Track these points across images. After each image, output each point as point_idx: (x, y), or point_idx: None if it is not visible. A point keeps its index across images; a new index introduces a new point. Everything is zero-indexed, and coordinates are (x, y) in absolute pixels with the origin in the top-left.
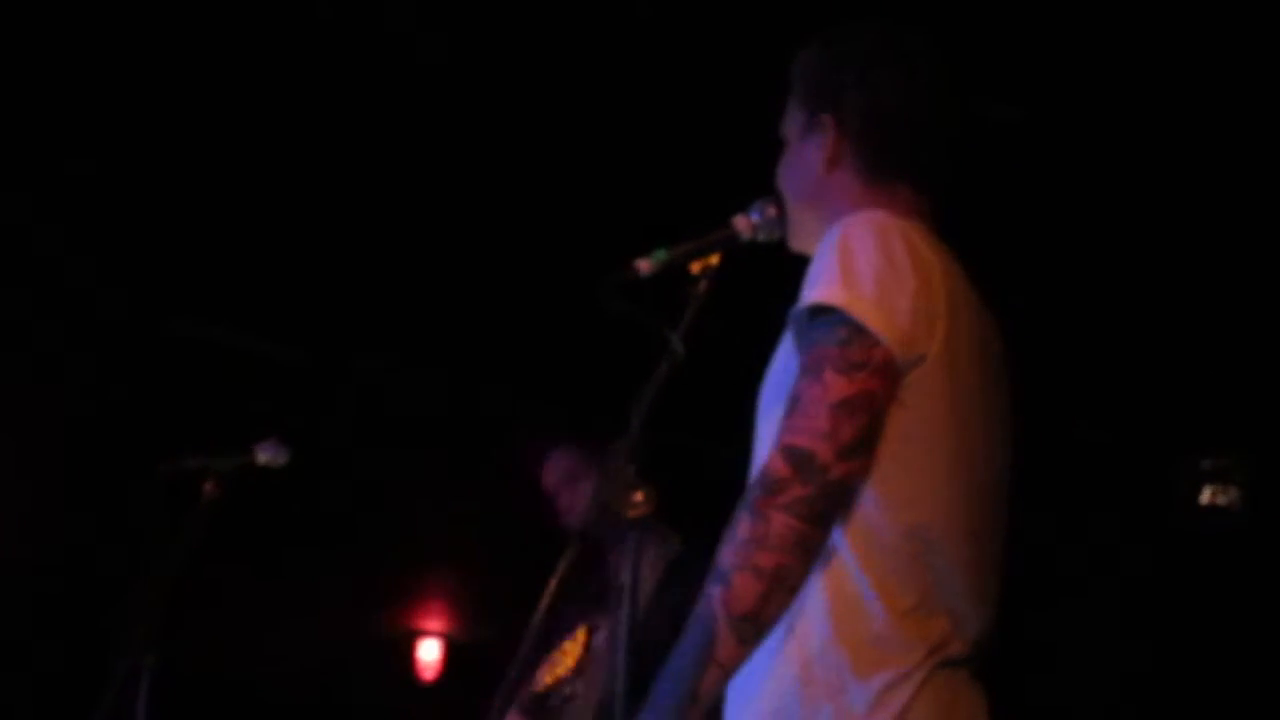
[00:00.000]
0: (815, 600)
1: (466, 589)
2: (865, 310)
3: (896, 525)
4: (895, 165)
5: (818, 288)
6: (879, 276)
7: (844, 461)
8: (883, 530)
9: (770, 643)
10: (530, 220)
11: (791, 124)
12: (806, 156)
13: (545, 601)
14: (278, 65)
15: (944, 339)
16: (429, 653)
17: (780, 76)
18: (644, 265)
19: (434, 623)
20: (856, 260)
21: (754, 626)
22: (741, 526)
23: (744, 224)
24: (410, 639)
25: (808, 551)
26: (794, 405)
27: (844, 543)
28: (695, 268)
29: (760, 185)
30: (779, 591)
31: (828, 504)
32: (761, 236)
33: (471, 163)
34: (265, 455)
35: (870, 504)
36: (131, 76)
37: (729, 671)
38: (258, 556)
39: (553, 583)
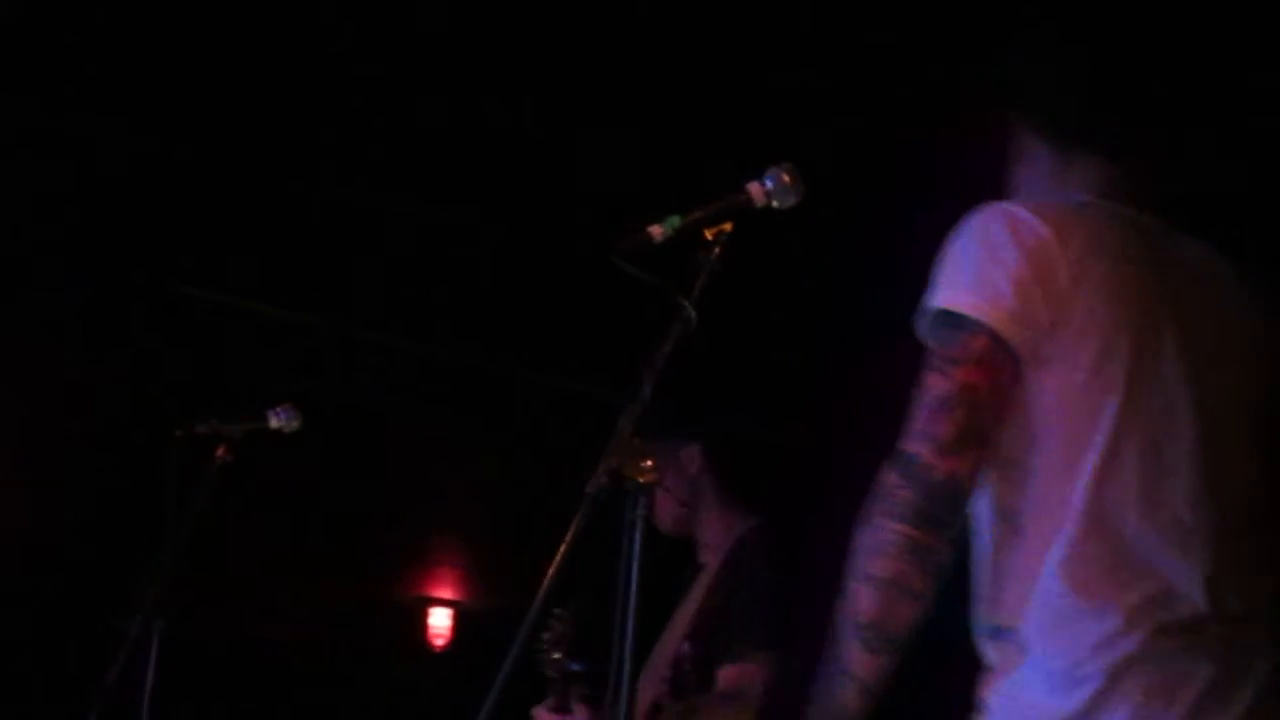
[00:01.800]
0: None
1: (477, 558)
2: (961, 301)
3: (1064, 494)
4: (1073, 140)
5: (929, 296)
6: (975, 265)
7: (946, 459)
8: (1053, 502)
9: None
10: (539, 186)
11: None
12: (1019, 170)
13: (555, 567)
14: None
15: (1088, 303)
16: (440, 620)
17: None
18: (657, 231)
19: (445, 590)
20: (956, 257)
21: (878, 634)
22: (858, 537)
23: (758, 191)
24: (421, 607)
25: (920, 556)
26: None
27: (1021, 519)
28: (708, 234)
29: (773, 154)
30: (898, 598)
31: (934, 506)
32: (775, 203)
33: (485, 126)
34: (278, 420)
35: (1034, 476)
36: (141, 44)
37: (864, 683)
38: (270, 522)
39: (563, 548)
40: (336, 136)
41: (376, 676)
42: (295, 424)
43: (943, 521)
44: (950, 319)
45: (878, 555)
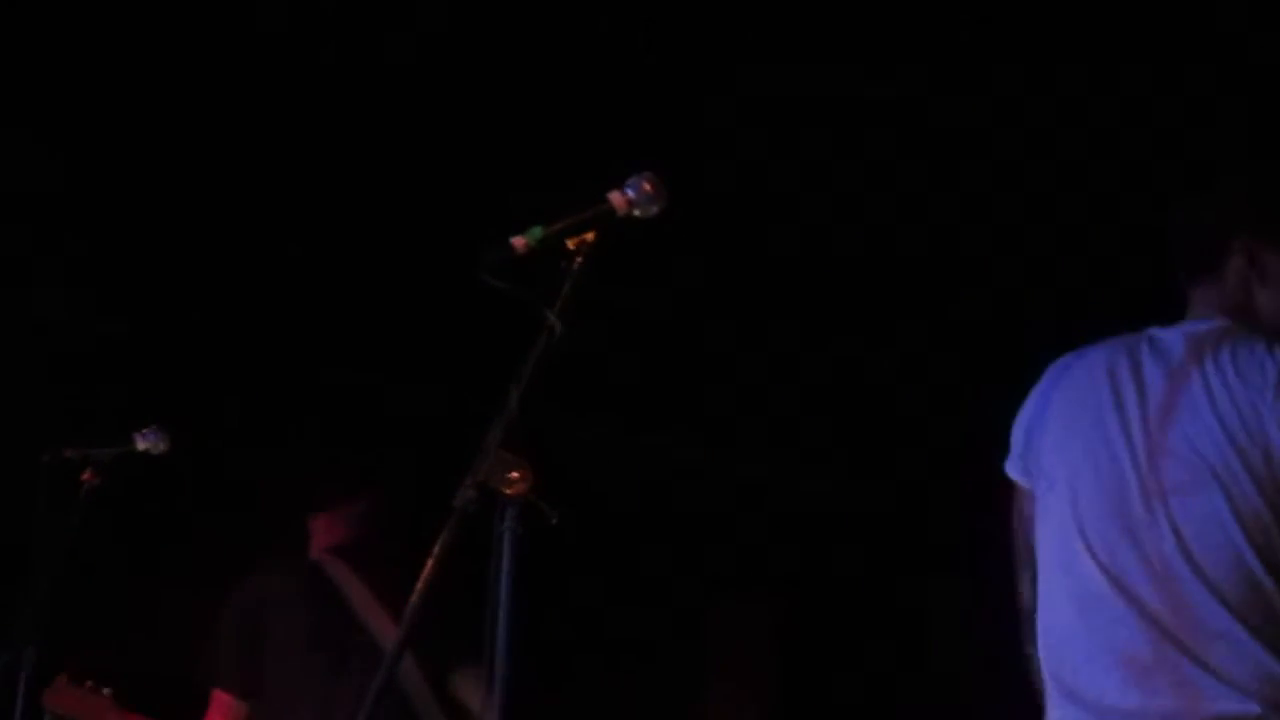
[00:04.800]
0: None
1: None
2: None
3: None
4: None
5: None
6: None
7: None
8: None
9: None
10: (398, 201)
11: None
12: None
13: (423, 584)
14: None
15: None
16: None
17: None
18: (520, 243)
19: None
20: None
21: None
22: None
23: (620, 200)
24: None
25: None
26: None
27: None
28: (571, 244)
29: (633, 163)
30: None
31: None
32: (637, 212)
33: (351, 151)
34: (145, 443)
35: None
36: (90, 72)
37: None
38: (142, 546)
39: (430, 564)
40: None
41: None
42: (163, 446)
43: None
44: None
45: None
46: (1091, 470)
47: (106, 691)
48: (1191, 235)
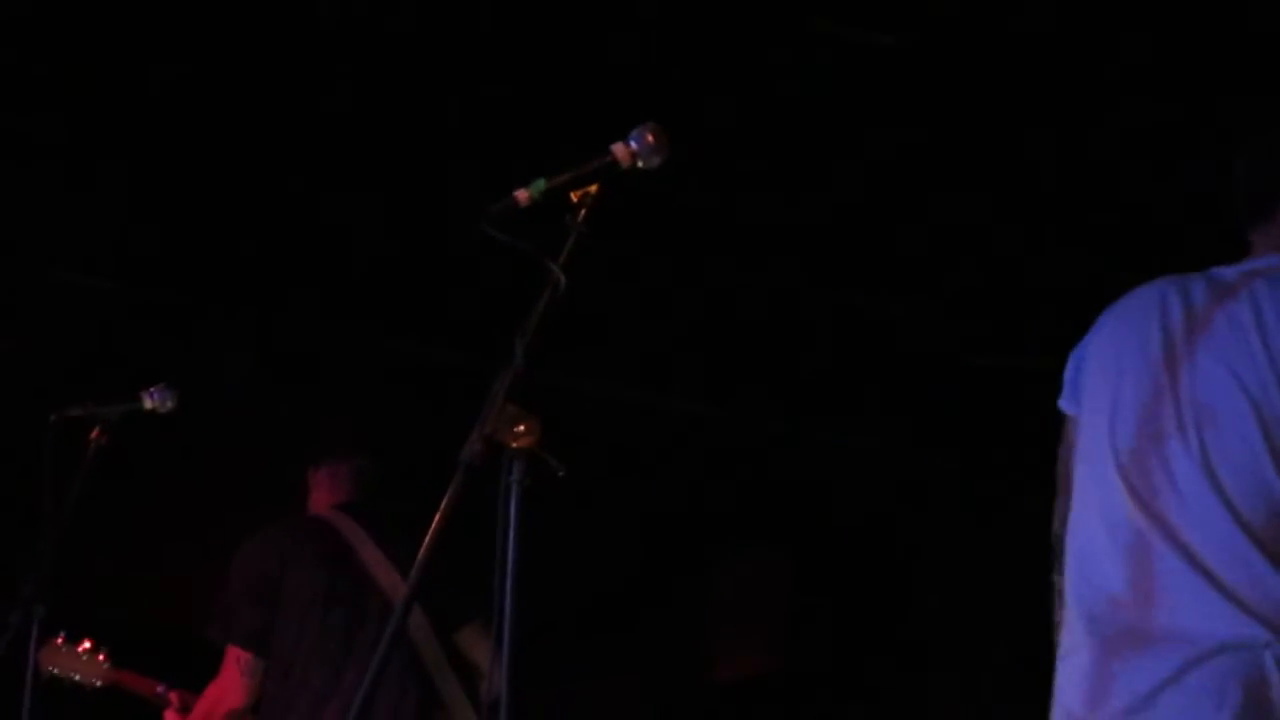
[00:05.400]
0: None
1: None
2: None
3: None
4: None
5: None
6: None
7: None
8: None
9: None
10: (401, 155)
11: None
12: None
13: (431, 537)
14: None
15: None
16: None
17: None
18: (523, 195)
19: None
20: None
21: None
22: None
23: (623, 152)
24: None
25: None
26: None
27: None
28: (575, 196)
29: (636, 115)
30: None
31: None
32: (640, 164)
33: (350, 99)
34: (152, 401)
35: None
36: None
37: None
38: (153, 504)
39: (439, 517)
40: (190, 116)
41: None
42: (171, 404)
43: None
44: None
45: None
46: (1132, 388)
47: (103, 652)
48: (1251, 177)
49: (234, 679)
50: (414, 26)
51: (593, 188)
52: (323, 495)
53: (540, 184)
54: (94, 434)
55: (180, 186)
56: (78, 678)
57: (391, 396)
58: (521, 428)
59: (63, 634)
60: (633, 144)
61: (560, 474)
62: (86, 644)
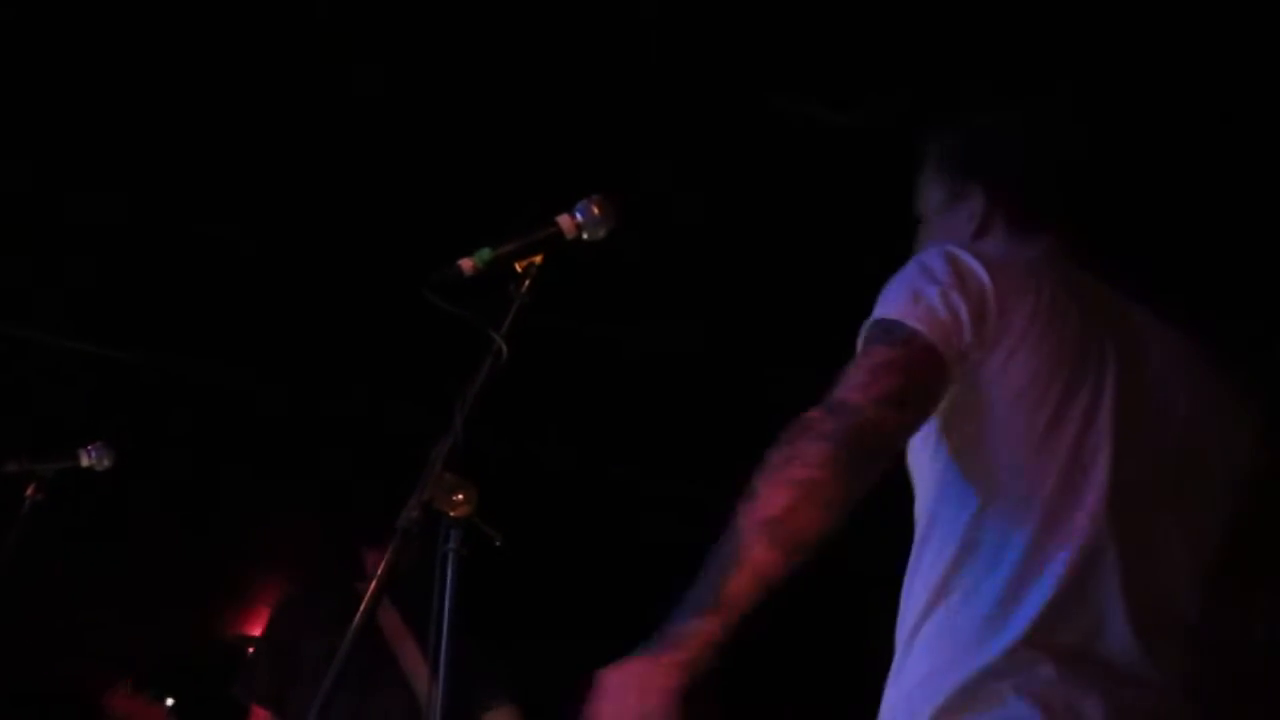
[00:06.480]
0: None
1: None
2: (900, 312)
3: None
4: (1043, 219)
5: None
6: (913, 288)
7: (876, 407)
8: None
9: None
10: (348, 222)
11: (929, 199)
12: (954, 226)
13: (368, 599)
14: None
15: (1020, 332)
16: None
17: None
18: (468, 264)
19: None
20: (898, 284)
21: (785, 530)
22: (770, 457)
23: (568, 223)
24: (243, 646)
25: (837, 470)
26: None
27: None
28: (519, 266)
29: (583, 186)
30: (808, 502)
31: (856, 436)
32: (585, 235)
33: (299, 170)
34: (89, 458)
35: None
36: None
37: (761, 576)
38: (87, 559)
39: (374, 584)
40: (153, 171)
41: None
42: (108, 462)
43: (859, 458)
44: (889, 322)
45: (794, 464)
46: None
47: (168, 702)
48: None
49: None
50: (381, 89)
51: (537, 258)
52: (370, 569)
53: (485, 253)
54: (29, 490)
55: (121, 240)
56: None
57: (348, 461)
58: (459, 496)
59: (129, 679)
60: (578, 215)
61: (496, 544)
62: (149, 692)
